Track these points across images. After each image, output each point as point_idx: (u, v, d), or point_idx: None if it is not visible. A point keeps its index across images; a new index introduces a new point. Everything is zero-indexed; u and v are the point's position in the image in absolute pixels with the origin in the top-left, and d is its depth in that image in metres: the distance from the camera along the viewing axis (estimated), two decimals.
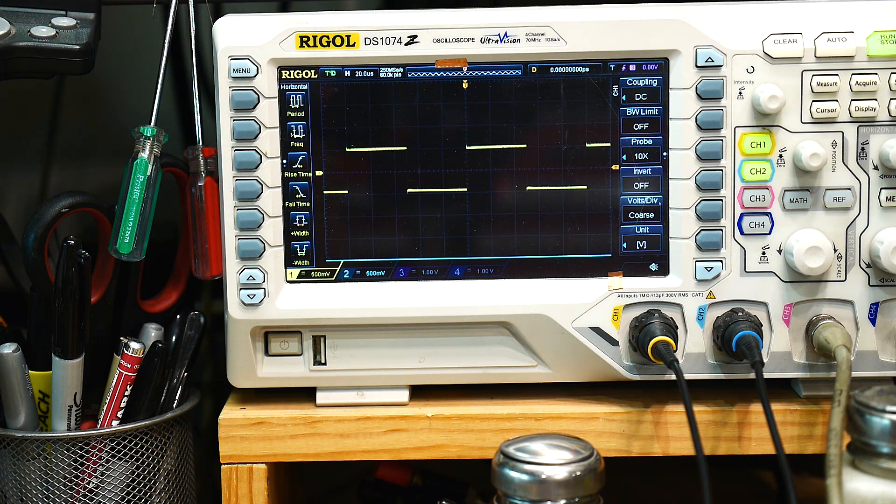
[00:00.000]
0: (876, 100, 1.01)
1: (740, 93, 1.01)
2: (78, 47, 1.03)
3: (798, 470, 1.06)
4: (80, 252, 1.02)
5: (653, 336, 1.01)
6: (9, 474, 1.06)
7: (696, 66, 1.01)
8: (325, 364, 1.06)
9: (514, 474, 0.93)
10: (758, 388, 0.98)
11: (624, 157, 1.03)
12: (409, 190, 1.04)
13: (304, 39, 1.02)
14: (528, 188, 1.04)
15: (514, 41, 1.01)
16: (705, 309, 1.03)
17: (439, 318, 1.04)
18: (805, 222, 1.02)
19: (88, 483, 1.06)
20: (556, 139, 1.03)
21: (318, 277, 1.05)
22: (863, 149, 1.01)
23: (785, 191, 1.02)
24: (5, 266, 1.19)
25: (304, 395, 1.07)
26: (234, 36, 1.01)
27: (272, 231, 1.03)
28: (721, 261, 1.02)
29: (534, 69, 1.02)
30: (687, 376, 1.00)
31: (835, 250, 1.02)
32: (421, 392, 1.07)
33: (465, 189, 1.04)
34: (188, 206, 1.08)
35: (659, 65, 1.02)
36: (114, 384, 1.06)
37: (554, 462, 0.93)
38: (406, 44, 1.02)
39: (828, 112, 1.01)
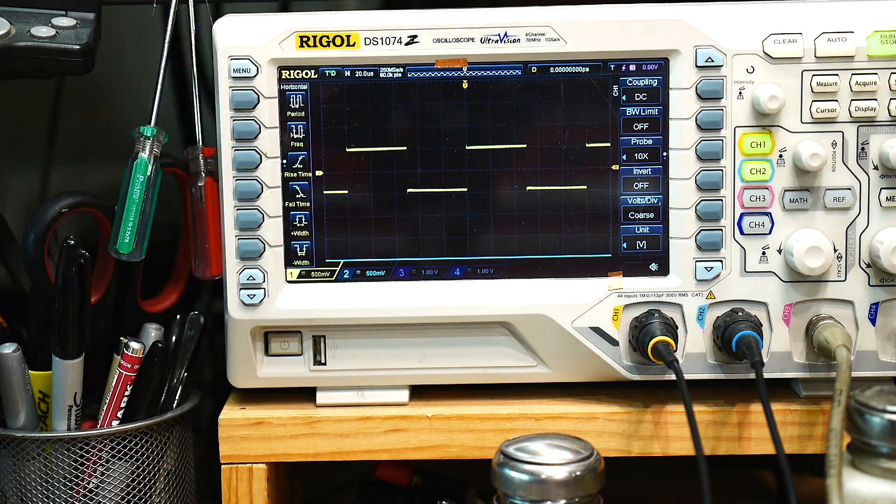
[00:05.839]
0: (876, 100, 1.01)
1: (740, 93, 1.01)
2: (78, 47, 1.03)
3: (798, 470, 1.06)
4: (80, 252, 1.02)
5: (653, 336, 1.01)
6: (9, 474, 1.06)
7: (696, 66, 1.01)
8: (325, 364, 1.06)
9: (514, 474, 0.93)
10: (758, 388, 0.98)
11: (624, 157, 1.03)
12: (409, 190, 1.04)
13: (304, 39, 1.02)
14: (528, 188, 1.04)
15: (514, 41, 1.01)
16: (705, 309, 1.03)
17: (439, 318, 1.04)
18: (805, 222, 1.02)
19: (88, 483, 1.06)
20: (556, 139, 1.03)
21: (318, 277, 1.05)
22: (863, 149, 1.01)
23: (785, 191, 1.02)
24: (5, 266, 1.19)
25: (304, 395, 1.07)
26: (234, 36, 1.01)
27: (272, 231, 1.03)
28: (721, 261, 1.03)
29: (534, 69, 1.02)
30: (687, 376, 1.00)
31: (835, 250, 1.02)
32: (421, 392, 1.07)
33: (465, 189, 1.04)
34: (188, 206, 1.08)
35: (659, 65, 1.02)
36: (114, 384, 1.06)
37: (554, 462, 0.93)
38: (406, 44, 1.02)
39: (828, 112, 1.01)
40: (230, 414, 1.05)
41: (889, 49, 1.00)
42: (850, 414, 0.92)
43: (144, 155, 1.04)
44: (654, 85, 1.02)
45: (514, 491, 0.93)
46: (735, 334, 1.01)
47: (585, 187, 1.04)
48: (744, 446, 1.04)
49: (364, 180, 1.04)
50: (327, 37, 1.02)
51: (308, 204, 1.04)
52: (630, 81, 1.02)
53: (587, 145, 1.03)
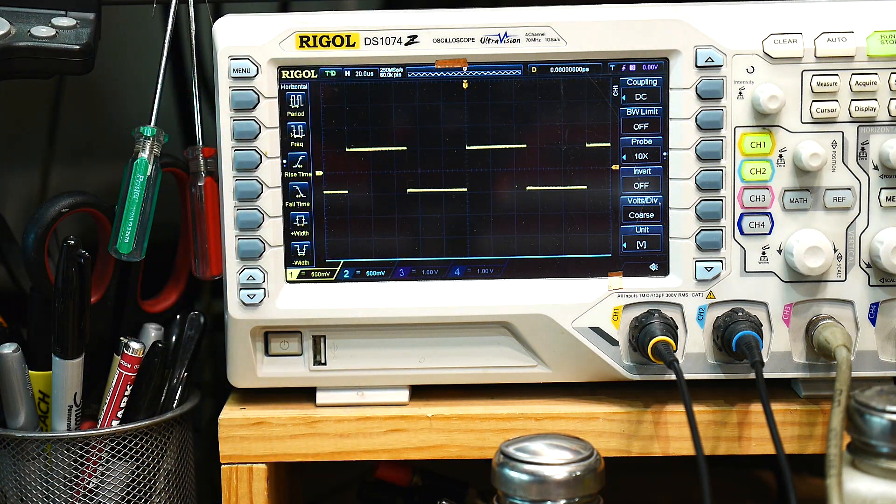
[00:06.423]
0: (876, 100, 1.01)
1: (740, 93, 1.01)
2: (78, 47, 1.03)
3: (798, 470, 1.06)
4: (80, 252, 1.02)
5: (653, 336, 1.01)
6: (9, 474, 1.06)
7: (696, 66, 1.01)
8: (325, 364, 1.06)
9: (514, 474, 0.93)
10: (758, 388, 0.98)
11: (624, 157, 1.03)
12: (409, 190, 1.04)
13: (304, 39, 1.02)
14: (528, 188, 1.04)
15: (514, 41, 1.01)
16: (705, 309, 1.03)
17: (439, 318, 1.04)
18: (805, 222, 1.02)
19: (88, 483, 1.06)
20: (556, 139, 1.03)
21: (318, 277, 1.05)
22: (863, 149, 1.01)
23: (785, 191, 1.02)
24: (5, 266, 1.19)
25: (304, 395, 1.07)
26: (234, 36, 1.01)
27: (272, 231, 1.03)
28: (721, 261, 1.02)
29: (534, 69, 1.02)
30: (687, 376, 1.00)
31: (835, 250, 1.02)
32: (421, 392, 1.07)
33: (465, 189, 1.04)
34: (188, 206, 1.08)
35: (659, 65, 1.02)
36: (114, 384, 1.06)
37: (554, 462, 0.93)
38: (406, 44, 1.02)
39: (828, 112, 1.01)
40: (230, 414, 1.05)
41: (889, 49, 1.00)
42: (850, 414, 0.92)
43: (144, 155, 1.04)
44: (654, 85, 1.02)
45: (514, 491, 0.93)
46: (735, 334, 1.01)
47: (585, 187, 1.04)
48: (744, 446, 1.04)
49: (364, 180, 1.04)
50: (327, 37, 1.02)
51: (308, 204, 1.04)
52: (630, 81, 1.02)
53: (587, 145, 1.03)
